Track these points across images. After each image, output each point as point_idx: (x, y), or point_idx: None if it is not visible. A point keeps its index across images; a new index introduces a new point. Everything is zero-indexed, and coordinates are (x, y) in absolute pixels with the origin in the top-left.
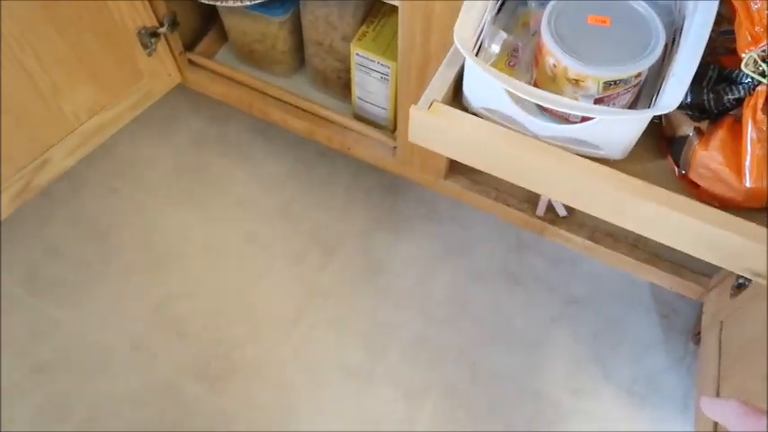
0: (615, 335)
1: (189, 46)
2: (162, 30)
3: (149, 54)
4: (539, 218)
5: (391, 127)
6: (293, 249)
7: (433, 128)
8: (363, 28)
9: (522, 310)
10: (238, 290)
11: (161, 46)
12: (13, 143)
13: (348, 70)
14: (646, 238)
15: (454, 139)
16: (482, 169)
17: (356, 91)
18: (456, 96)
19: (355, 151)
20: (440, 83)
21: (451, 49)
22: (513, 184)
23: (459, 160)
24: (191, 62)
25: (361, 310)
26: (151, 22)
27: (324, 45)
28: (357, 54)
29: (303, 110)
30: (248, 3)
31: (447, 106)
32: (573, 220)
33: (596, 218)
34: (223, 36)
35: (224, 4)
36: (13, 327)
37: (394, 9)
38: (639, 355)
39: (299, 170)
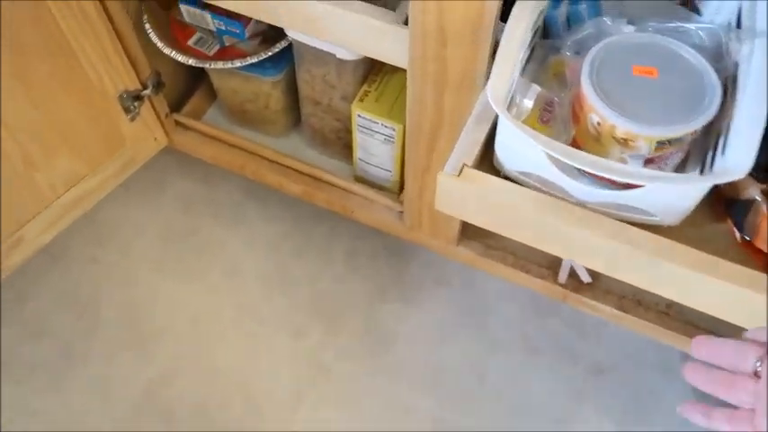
0: (647, 409)
1: (175, 106)
2: (146, 92)
3: (132, 119)
4: (561, 285)
5: (396, 189)
6: (292, 322)
7: (464, 195)
8: (365, 87)
9: (544, 382)
10: (233, 369)
11: (145, 109)
12: None
13: (348, 130)
14: (679, 304)
15: (489, 207)
16: (516, 239)
17: (358, 152)
18: (483, 159)
19: (358, 216)
20: (468, 145)
21: (478, 107)
22: (530, 249)
23: (491, 229)
24: (177, 123)
25: (370, 389)
26: (134, 84)
27: (322, 104)
28: (359, 116)
29: (300, 172)
30: (239, 64)
31: (480, 172)
32: (598, 286)
33: (623, 283)
34: (212, 94)
35: (213, 66)
36: None
37: (397, 67)
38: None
39: (297, 233)
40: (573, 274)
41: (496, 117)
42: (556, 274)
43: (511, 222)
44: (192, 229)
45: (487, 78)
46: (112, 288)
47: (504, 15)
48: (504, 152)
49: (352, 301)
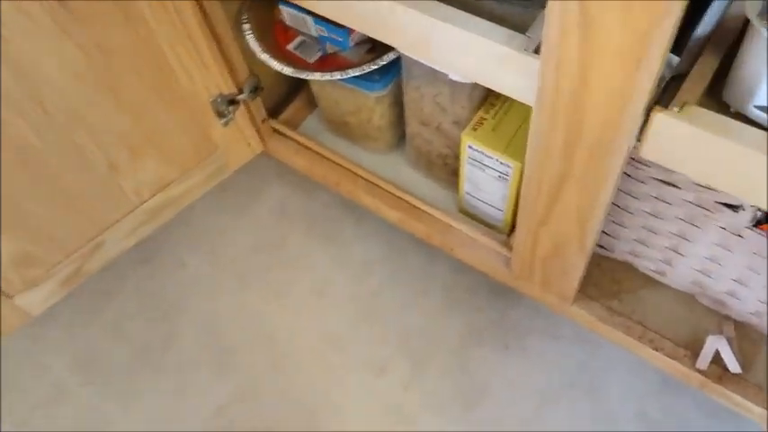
0: None
1: (273, 112)
2: (242, 96)
3: (226, 124)
4: (699, 371)
5: (506, 230)
6: (376, 357)
7: (683, 137)
8: (480, 113)
9: None
10: (306, 401)
11: (240, 114)
12: (64, 226)
13: (457, 157)
14: None
15: (715, 153)
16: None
17: (465, 185)
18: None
19: (459, 254)
20: (693, 78)
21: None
22: (666, 319)
23: (711, 184)
24: (274, 130)
25: None
26: (229, 88)
27: (430, 126)
28: (470, 147)
29: (398, 198)
30: (338, 77)
31: (708, 111)
32: (749, 379)
33: None
34: (313, 102)
35: (309, 77)
36: (58, 419)
37: None
38: None
39: (392, 258)
40: (717, 358)
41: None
42: (695, 355)
43: (741, 178)
44: (282, 239)
45: (637, 139)
46: (196, 296)
47: (677, 45)
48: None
49: (444, 340)
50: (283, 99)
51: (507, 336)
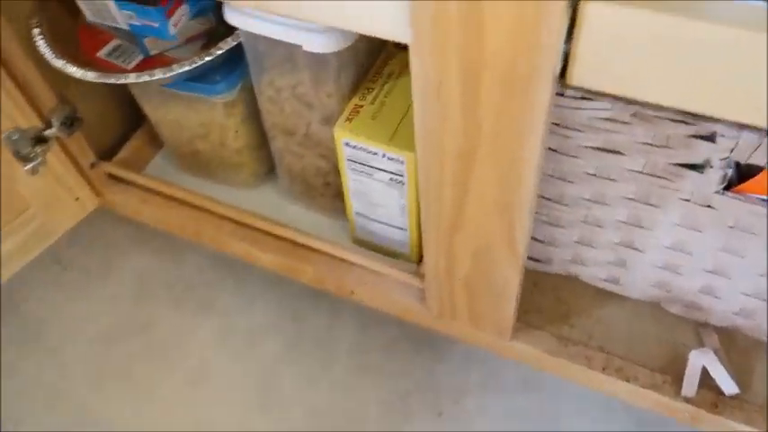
0: None
1: (107, 153)
2: (51, 131)
3: (33, 171)
4: (686, 400)
5: (415, 257)
6: None
7: (636, 35)
8: (355, 101)
9: None
10: None
11: (54, 157)
12: None
13: (337, 170)
14: None
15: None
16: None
17: (352, 203)
18: None
19: (361, 296)
20: None
21: None
22: (633, 340)
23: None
24: (111, 176)
25: None
26: (29, 121)
27: (297, 135)
28: (347, 144)
29: (275, 236)
30: (160, 75)
31: None
32: (749, 398)
33: None
34: (157, 137)
35: (124, 81)
36: None
37: (405, 64)
38: None
39: (285, 322)
40: (705, 379)
41: None
42: (677, 380)
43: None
44: (144, 324)
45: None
46: (35, 409)
47: None
48: None
49: (363, 417)
50: (120, 136)
51: (439, 399)
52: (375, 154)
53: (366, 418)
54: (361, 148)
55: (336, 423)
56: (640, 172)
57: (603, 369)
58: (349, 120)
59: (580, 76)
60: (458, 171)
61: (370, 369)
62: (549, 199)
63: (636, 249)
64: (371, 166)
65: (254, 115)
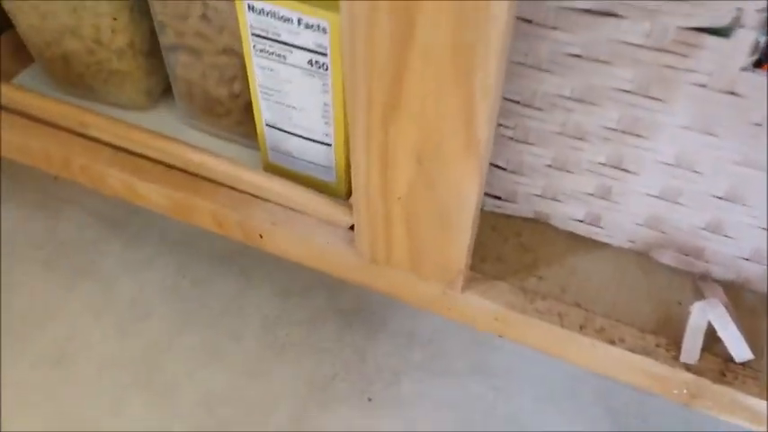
0: None
1: None
2: None
3: None
4: (687, 368)
5: (343, 189)
6: None
7: None
8: None
9: None
10: None
11: None
12: None
13: (246, 75)
14: None
15: None
16: None
17: (261, 108)
18: None
19: (273, 240)
20: None
21: None
22: (619, 301)
23: None
24: None
25: None
26: None
27: (191, 19)
28: (249, 7)
29: (164, 165)
30: None
31: None
32: (762, 369)
33: None
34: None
35: None
36: None
37: None
38: None
39: (184, 290)
40: (710, 343)
41: None
42: (674, 345)
43: None
44: (10, 290)
45: None
46: None
47: None
48: None
49: (274, 404)
50: None
51: (370, 382)
52: (289, 21)
53: (276, 408)
54: (269, 13)
55: (237, 413)
56: (642, 46)
57: (581, 328)
58: None
59: None
60: (397, 9)
61: (288, 347)
62: (515, 101)
63: (626, 171)
64: (284, 43)
65: (143, 7)
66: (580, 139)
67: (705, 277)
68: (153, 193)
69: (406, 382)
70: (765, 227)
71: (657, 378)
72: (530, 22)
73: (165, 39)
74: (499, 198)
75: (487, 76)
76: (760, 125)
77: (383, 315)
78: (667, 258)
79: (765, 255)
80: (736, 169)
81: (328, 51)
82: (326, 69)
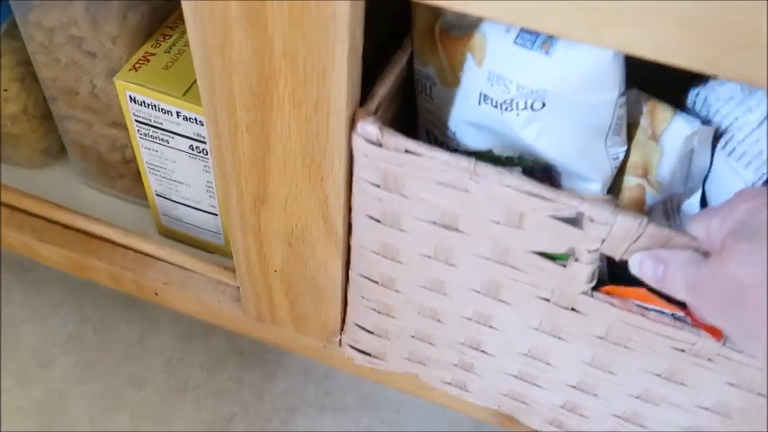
0: None
1: None
2: None
3: None
4: None
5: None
6: None
7: None
8: (147, 48)
9: None
10: None
11: None
12: None
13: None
14: None
15: None
16: None
17: (151, 181)
18: None
19: (168, 298)
20: None
21: None
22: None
23: None
24: None
25: None
26: None
27: (81, 95)
28: (132, 99)
29: (61, 225)
30: None
31: None
32: None
33: None
34: None
35: None
36: None
37: None
38: None
39: (86, 336)
40: None
41: None
42: None
43: None
44: None
45: None
46: None
47: None
48: None
49: None
50: None
51: (267, 420)
52: (168, 113)
53: None
54: (150, 105)
55: None
56: (487, 258)
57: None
58: (135, 69)
59: None
60: (254, 116)
61: (189, 389)
62: (376, 282)
63: (484, 353)
64: (166, 130)
65: (32, 69)
66: (437, 320)
67: None
68: (50, 253)
69: (300, 419)
70: (619, 414)
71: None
72: (379, 221)
73: (57, 109)
74: (371, 356)
75: (337, 183)
76: (602, 338)
77: (280, 355)
78: (536, 424)
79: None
80: (583, 367)
81: (207, 140)
82: (206, 154)
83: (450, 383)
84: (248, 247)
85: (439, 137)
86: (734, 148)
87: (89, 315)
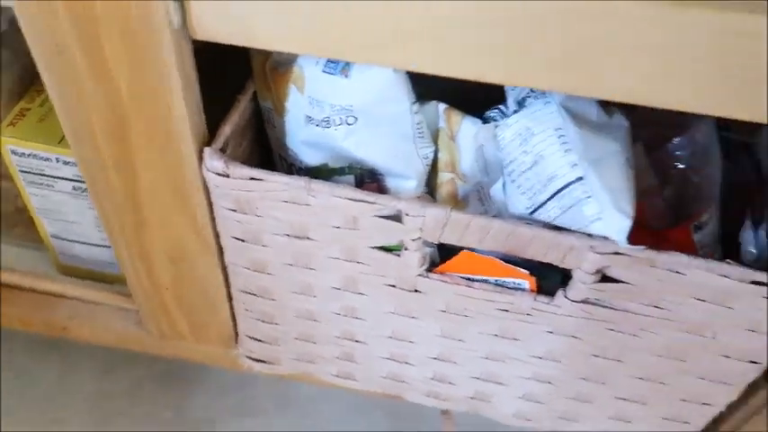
0: None
1: None
2: None
3: None
4: None
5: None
6: None
7: None
8: (22, 104)
9: None
10: None
11: None
12: None
13: None
14: None
15: None
16: None
17: (44, 224)
18: None
19: (76, 332)
20: None
21: None
22: None
23: None
24: None
25: None
26: None
27: None
28: (13, 152)
29: None
30: None
31: None
32: None
33: None
34: None
35: None
36: None
37: None
38: None
39: (8, 382)
40: None
41: None
42: None
43: None
44: None
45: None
46: None
47: None
48: None
49: None
50: None
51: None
52: (48, 160)
53: None
54: (31, 155)
55: None
56: (338, 258)
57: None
58: (13, 124)
59: (201, 25)
60: (117, 153)
61: (113, 418)
62: (254, 294)
63: (359, 342)
64: (49, 176)
65: None
66: (313, 320)
67: (447, 412)
68: None
69: (220, 427)
70: (477, 376)
71: None
72: (243, 240)
73: None
74: (267, 362)
75: (201, 205)
76: (445, 311)
77: (196, 371)
78: (416, 398)
79: (488, 394)
80: (438, 339)
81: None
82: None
83: (338, 376)
84: (138, 270)
85: (287, 159)
86: (514, 180)
87: (10, 361)
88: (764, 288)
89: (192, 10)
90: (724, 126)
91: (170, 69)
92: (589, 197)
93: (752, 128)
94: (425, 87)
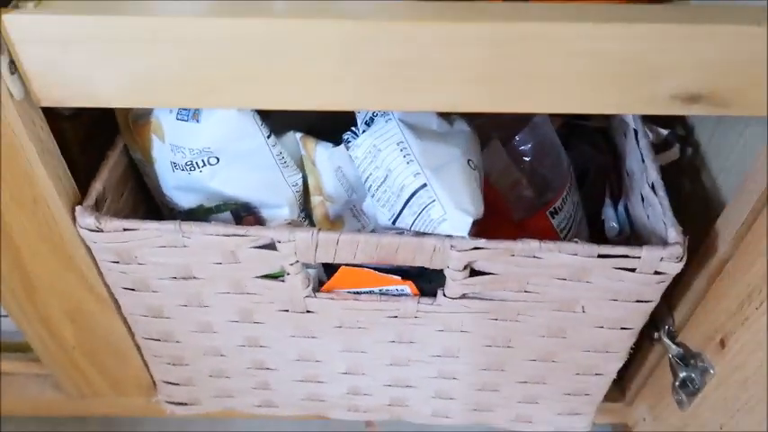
0: None
1: None
2: None
3: None
4: None
5: None
6: None
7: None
8: None
9: None
10: None
11: None
12: None
13: None
14: None
15: None
16: None
17: None
18: None
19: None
20: None
21: None
22: None
23: None
24: None
25: None
26: None
27: None
28: None
29: None
30: None
31: None
32: None
33: None
34: None
35: None
36: None
37: None
38: None
39: None
40: None
41: None
42: None
43: None
44: None
45: None
46: None
47: None
48: None
49: None
50: None
51: None
52: None
53: None
54: None
55: None
56: (228, 293)
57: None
58: None
59: (43, 92)
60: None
61: None
62: (158, 339)
63: (270, 369)
64: None
65: None
66: (221, 355)
67: (371, 423)
68: None
69: None
70: (388, 383)
71: None
72: (133, 290)
73: None
74: (185, 404)
75: (85, 260)
76: (340, 327)
77: (132, 424)
78: (338, 414)
79: (402, 399)
80: (343, 354)
81: None
82: None
83: (260, 405)
84: (40, 333)
85: (168, 204)
86: (373, 194)
87: None
88: (613, 260)
89: (33, 79)
90: (585, 116)
91: (20, 138)
92: (433, 201)
93: (606, 115)
94: (293, 118)
